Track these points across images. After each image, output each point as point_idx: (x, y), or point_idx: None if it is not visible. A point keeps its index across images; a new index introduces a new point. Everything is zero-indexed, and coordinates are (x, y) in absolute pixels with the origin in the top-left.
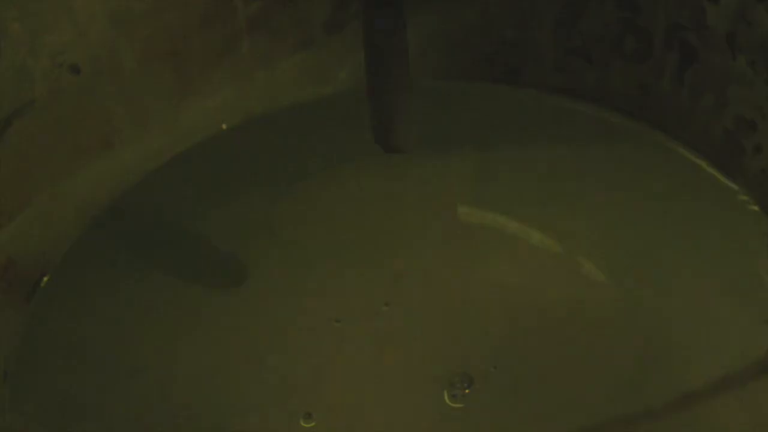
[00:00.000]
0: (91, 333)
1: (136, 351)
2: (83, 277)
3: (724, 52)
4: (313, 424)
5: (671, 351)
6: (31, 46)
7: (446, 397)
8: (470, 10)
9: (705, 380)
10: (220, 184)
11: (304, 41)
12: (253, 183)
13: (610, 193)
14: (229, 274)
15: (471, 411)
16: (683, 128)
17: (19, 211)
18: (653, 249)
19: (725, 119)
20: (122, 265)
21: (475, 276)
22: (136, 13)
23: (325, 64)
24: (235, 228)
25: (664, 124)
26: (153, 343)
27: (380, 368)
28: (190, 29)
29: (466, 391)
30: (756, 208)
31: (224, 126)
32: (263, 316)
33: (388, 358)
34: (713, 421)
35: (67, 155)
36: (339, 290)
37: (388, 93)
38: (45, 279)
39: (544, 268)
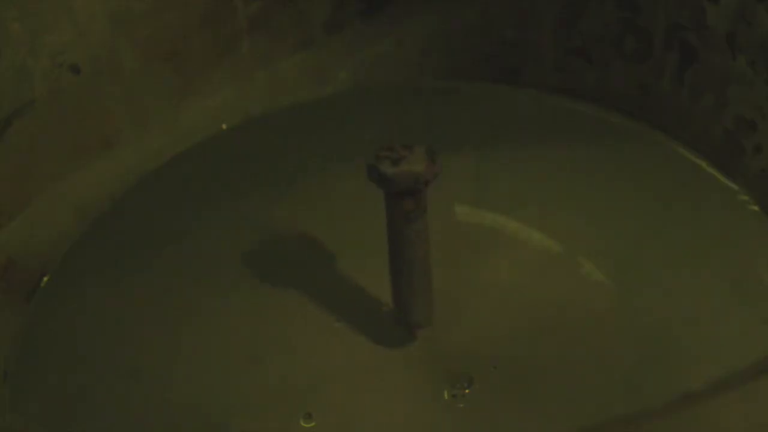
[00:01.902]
0: (91, 333)
1: (136, 351)
2: (83, 277)
3: (724, 52)
4: (313, 424)
5: (671, 351)
6: (31, 46)
7: (446, 397)
8: (470, 10)
9: (705, 380)
10: (220, 184)
11: (304, 41)
12: (253, 183)
13: (610, 193)
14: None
15: (471, 411)
16: (683, 128)
17: (19, 211)
18: (653, 249)
19: (725, 119)
20: (122, 265)
21: (475, 276)
22: (136, 13)
23: (325, 64)
24: (235, 228)
25: (664, 124)
26: (153, 343)
27: (380, 368)
28: (190, 29)
29: (466, 391)
30: (756, 208)
31: (224, 126)
32: (263, 316)
33: (388, 358)
34: (713, 421)
35: (67, 155)
36: (339, 290)
37: (408, 274)
38: (45, 279)
39: (544, 268)
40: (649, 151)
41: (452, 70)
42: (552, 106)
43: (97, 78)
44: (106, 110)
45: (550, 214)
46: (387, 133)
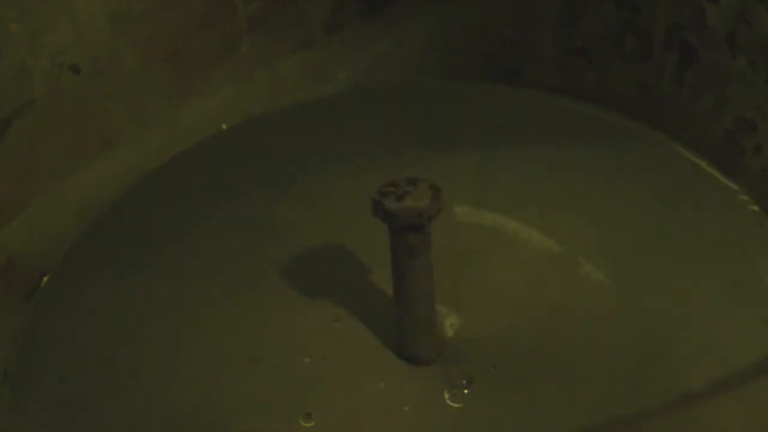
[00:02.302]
0: (91, 333)
1: (136, 351)
2: (83, 277)
3: (724, 52)
4: (312, 423)
5: (671, 351)
6: (31, 46)
7: (446, 397)
8: (470, 10)
9: (705, 380)
10: (220, 184)
11: (304, 41)
12: (253, 183)
13: (609, 193)
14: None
15: (471, 411)
16: (683, 128)
17: (19, 211)
18: (653, 249)
19: (725, 119)
20: (122, 265)
21: (474, 276)
22: (136, 13)
23: (325, 64)
24: (235, 228)
25: (664, 124)
26: (153, 343)
27: (380, 368)
28: (190, 29)
29: (465, 391)
30: (756, 208)
31: (224, 126)
32: (263, 316)
33: (388, 358)
34: (713, 421)
35: (67, 155)
36: (339, 290)
37: (413, 308)
38: (45, 279)
39: (544, 268)
40: (649, 151)
41: (452, 70)
42: (552, 106)
43: (97, 78)
44: (106, 110)
45: (550, 214)
46: (387, 133)
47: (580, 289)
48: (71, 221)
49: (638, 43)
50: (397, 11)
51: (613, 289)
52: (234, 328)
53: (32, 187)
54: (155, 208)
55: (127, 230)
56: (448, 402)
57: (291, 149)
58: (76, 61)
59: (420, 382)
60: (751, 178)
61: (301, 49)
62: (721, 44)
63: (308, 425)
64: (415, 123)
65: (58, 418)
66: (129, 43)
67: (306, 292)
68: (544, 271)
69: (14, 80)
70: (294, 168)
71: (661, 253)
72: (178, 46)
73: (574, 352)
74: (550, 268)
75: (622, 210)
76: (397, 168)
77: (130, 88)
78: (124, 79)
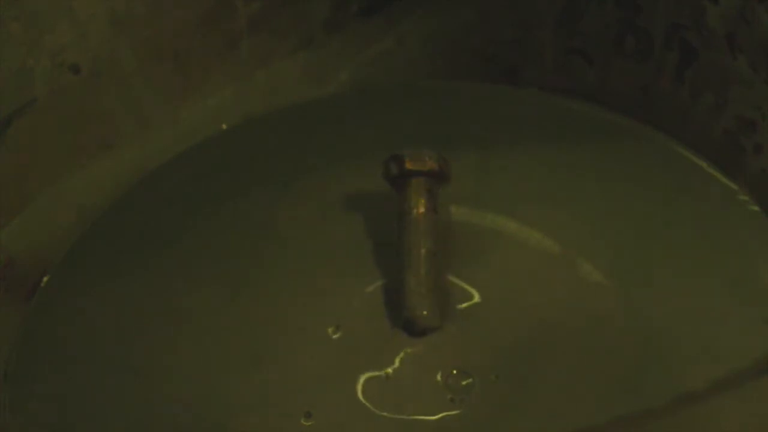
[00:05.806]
0: (92, 333)
1: (136, 351)
2: (83, 277)
3: (724, 52)
4: (312, 422)
5: (671, 351)
6: (31, 46)
7: (447, 397)
8: (470, 10)
9: (705, 380)
10: (220, 184)
11: (304, 41)
12: (253, 183)
13: (609, 192)
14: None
15: (472, 411)
16: (683, 128)
17: (20, 211)
18: (653, 249)
19: (725, 119)
20: (122, 265)
21: (474, 276)
22: (136, 13)
23: (325, 64)
24: (235, 228)
25: (664, 124)
26: (153, 343)
27: (380, 368)
28: (190, 29)
29: (464, 386)
30: (756, 208)
31: (224, 126)
32: (263, 316)
33: (389, 359)
34: (713, 421)
35: (67, 155)
36: (339, 290)
37: (414, 269)
38: (45, 279)
39: (543, 268)
40: (649, 151)
41: (452, 70)
42: (552, 106)
43: (97, 78)
44: (106, 110)
45: (550, 213)
46: (387, 133)
47: (580, 289)
48: (71, 221)
49: (638, 43)
50: (397, 11)
51: (612, 289)
52: (234, 327)
53: (32, 187)
54: (155, 208)
55: (127, 230)
56: (450, 402)
57: (291, 149)
58: (76, 61)
59: (421, 382)
60: (751, 178)
61: (301, 49)
62: (721, 44)
63: (308, 424)
64: (415, 123)
65: (58, 418)
66: (129, 43)
67: (306, 292)
68: (543, 271)
69: (14, 80)
70: (294, 168)
71: (661, 253)
72: (178, 46)
73: (574, 352)
74: (549, 268)
75: (621, 210)
76: None
77: (130, 88)
78: (124, 79)
